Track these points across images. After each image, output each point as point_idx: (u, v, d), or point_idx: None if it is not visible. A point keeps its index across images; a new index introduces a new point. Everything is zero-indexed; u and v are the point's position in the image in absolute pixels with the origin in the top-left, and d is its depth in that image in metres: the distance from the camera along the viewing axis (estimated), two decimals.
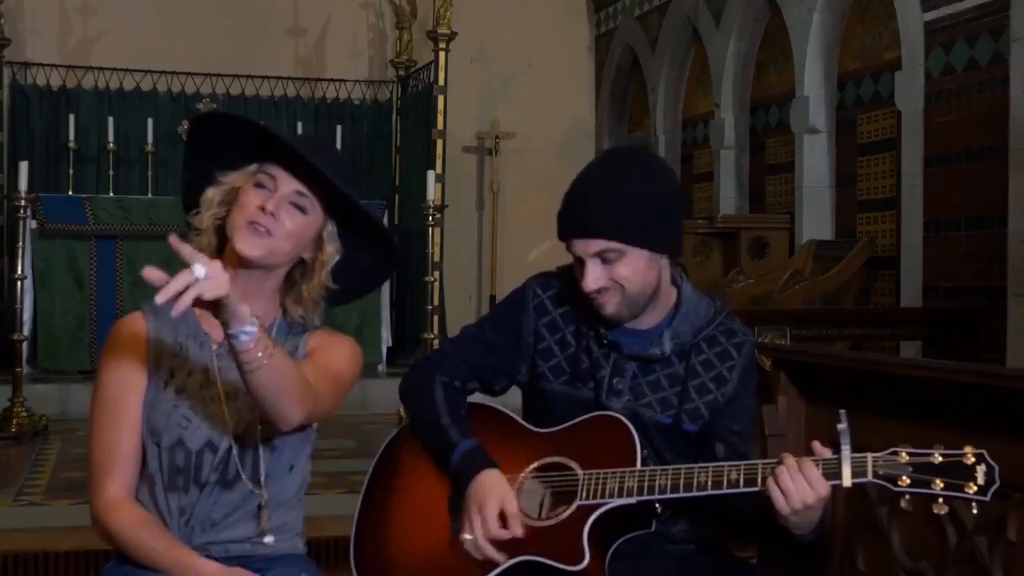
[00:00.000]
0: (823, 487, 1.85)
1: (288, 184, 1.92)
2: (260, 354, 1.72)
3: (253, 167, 1.96)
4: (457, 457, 2.10)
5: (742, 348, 2.18)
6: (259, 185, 1.93)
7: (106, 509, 1.92)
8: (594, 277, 2.07)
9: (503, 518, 2.02)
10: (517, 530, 2.01)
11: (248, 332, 1.69)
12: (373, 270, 2.09)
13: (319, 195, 1.95)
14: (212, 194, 1.97)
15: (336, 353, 2.01)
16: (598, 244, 2.05)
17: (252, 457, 1.94)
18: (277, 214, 1.90)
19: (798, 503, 1.85)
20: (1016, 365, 4.49)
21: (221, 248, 1.97)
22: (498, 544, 2.03)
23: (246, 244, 1.89)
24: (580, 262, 2.09)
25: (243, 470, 1.93)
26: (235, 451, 1.93)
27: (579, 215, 2.08)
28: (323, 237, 1.98)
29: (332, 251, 1.99)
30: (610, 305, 2.09)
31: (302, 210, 1.93)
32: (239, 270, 1.92)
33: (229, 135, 1.97)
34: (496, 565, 2.02)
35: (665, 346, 2.14)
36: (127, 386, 1.94)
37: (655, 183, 2.11)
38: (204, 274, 1.60)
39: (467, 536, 2.04)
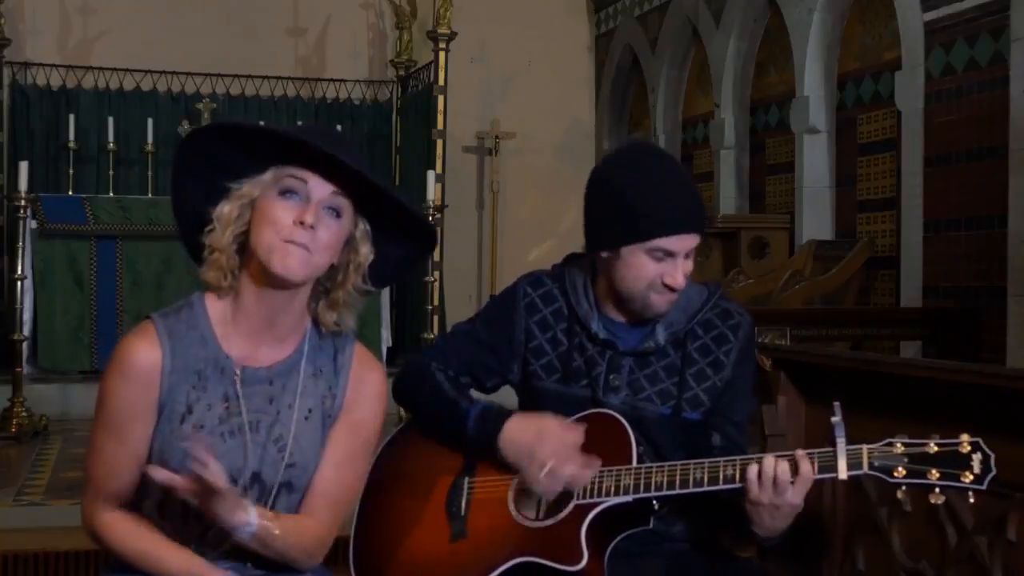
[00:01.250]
0: (806, 478, 1.87)
1: (321, 188, 1.75)
2: (261, 545, 1.78)
3: (269, 173, 1.76)
4: (473, 421, 2.09)
5: (739, 330, 2.17)
6: (286, 192, 1.75)
7: (102, 526, 1.86)
8: (686, 271, 2.08)
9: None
10: (581, 432, 2.01)
11: (251, 527, 1.75)
12: (409, 257, 1.94)
13: (350, 193, 1.78)
14: (229, 209, 1.77)
15: (371, 415, 1.91)
16: (696, 240, 2.08)
17: (270, 496, 1.84)
18: (316, 226, 1.73)
19: (768, 487, 1.86)
20: (1016, 365, 4.48)
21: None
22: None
23: (289, 268, 1.73)
24: (657, 259, 2.06)
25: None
26: (254, 488, 1.82)
27: (692, 212, 2.08)
28: (356, 238, 1.83)
29: (367, 252, 1.84)
30: (670, 302, 2.10)
31: (337, 214, 1.77)
32: (265, 289, 1.78)
33: (236, 141, 1.77)
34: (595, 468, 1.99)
35: (659, 337, 2.14)
36: (134, 416, 1.79)
37: None
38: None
39: (546, 469, 1.99)
